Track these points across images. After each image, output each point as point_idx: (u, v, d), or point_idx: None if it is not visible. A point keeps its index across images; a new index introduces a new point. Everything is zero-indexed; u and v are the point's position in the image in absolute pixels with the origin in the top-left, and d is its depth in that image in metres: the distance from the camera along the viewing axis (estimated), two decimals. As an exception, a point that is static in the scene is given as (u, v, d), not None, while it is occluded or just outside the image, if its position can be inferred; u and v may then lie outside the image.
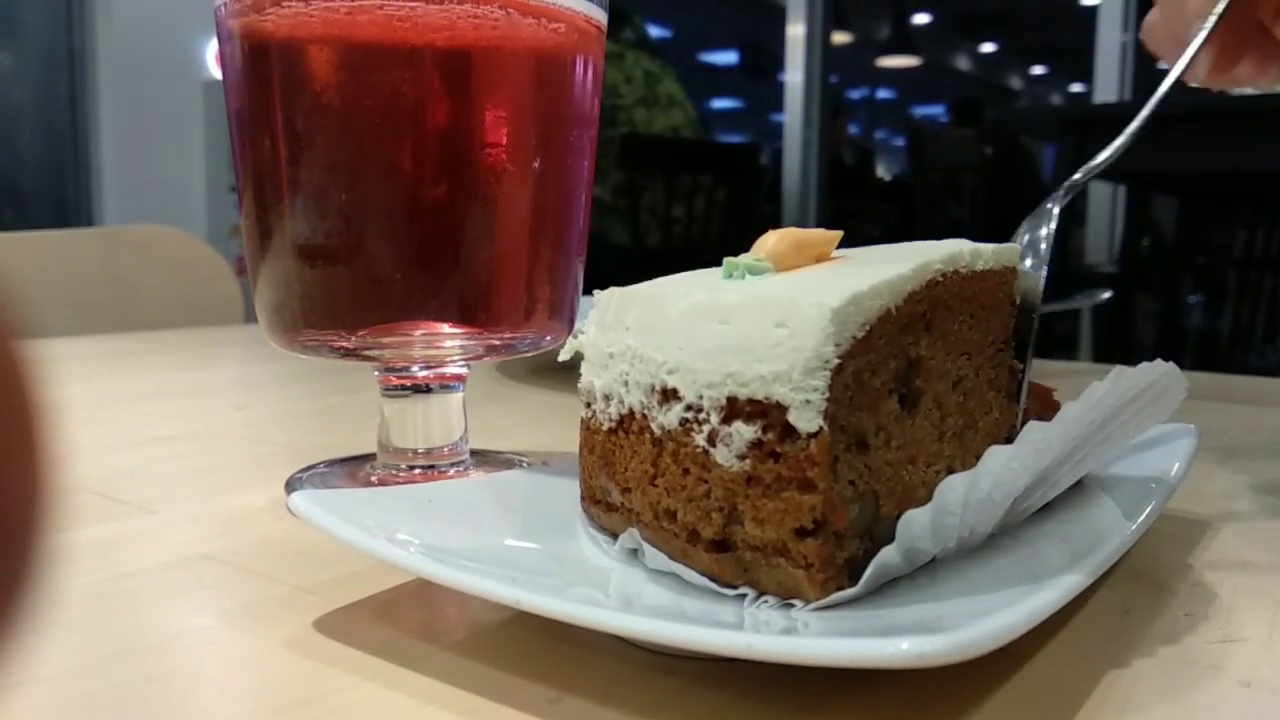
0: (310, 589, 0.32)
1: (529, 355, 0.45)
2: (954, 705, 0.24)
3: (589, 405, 0.32)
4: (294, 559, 0.35)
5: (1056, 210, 0.41)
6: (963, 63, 8.19)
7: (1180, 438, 0.40)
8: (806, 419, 0.25)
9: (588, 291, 0.37)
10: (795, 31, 4.03)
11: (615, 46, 2.92)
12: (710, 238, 2.96)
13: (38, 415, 0.11)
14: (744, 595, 0.27)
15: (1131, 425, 0.32)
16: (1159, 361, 0.32)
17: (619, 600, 0.28)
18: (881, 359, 0.28)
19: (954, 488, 0.27)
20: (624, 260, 2.85)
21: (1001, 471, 0.28)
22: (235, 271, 1.25)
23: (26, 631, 0.12)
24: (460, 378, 0.43)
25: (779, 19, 4.08)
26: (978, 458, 0.31)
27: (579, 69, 0.42)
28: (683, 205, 2.93)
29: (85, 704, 0.25)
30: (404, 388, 0.42)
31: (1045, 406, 0.36)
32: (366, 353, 0.41)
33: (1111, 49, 3.43)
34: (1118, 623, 0.29)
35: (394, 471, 0.42)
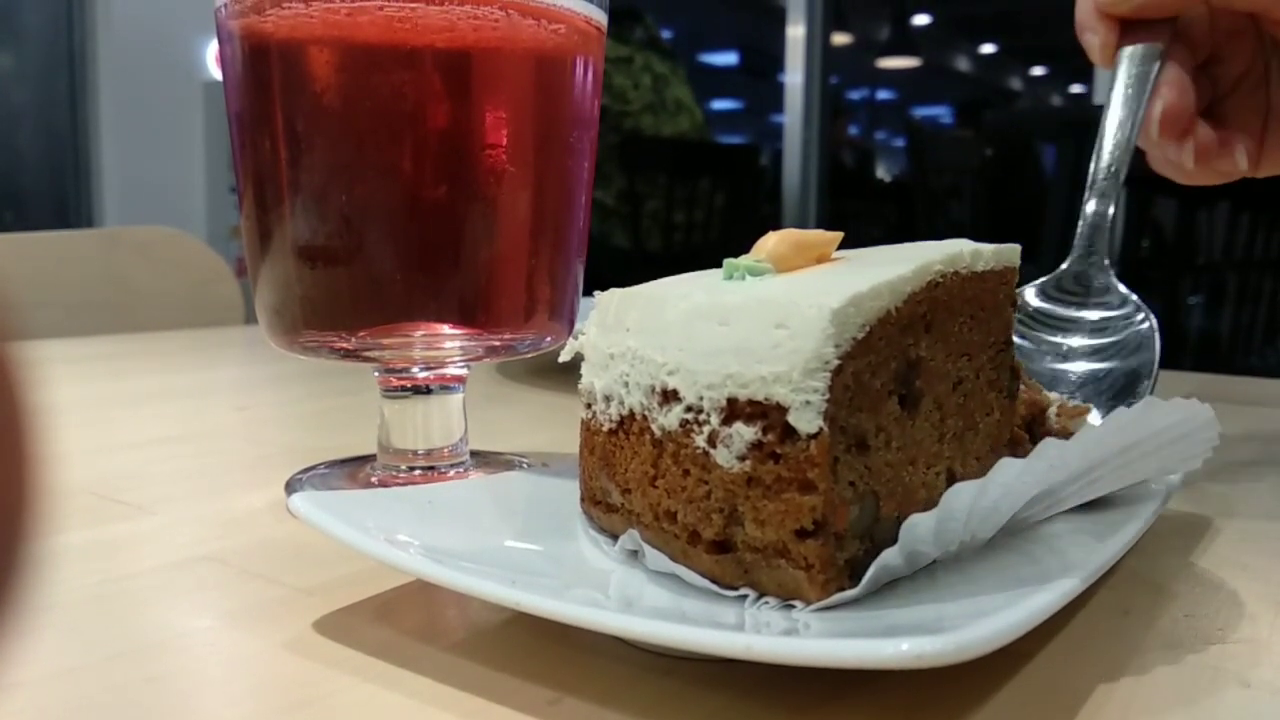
0: (310, 590, 0.32)
1: (529, 356, 0.45)
2: (954, 706, 0.24)
3: (589, 406, 0.32)
4: (294, 560, 0.35)
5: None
6: (963, 64, 8.19)
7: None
8: (806, 420, 0.25)
9: (588, 293, 0.37)
10: (795, 32, 4.03)
11: (625, 49, 2.90)
12: (710, 239, 2.96)
13: (29, 417, 0.11)
14: (744, 596, 0.27)
15: (1152, 459, 0.32)
16: (1194, 400, 0.32)
17: (619, 601, 0.28)
18: (881, 360, 0.28)
19: (961, 495, 0.27)
20: (624, 261, 2.85)
21: (1013, 484, 0.28)
22: (235, 272, 1.26)
23: (20, 632, 0.12)
24: (460, 379, 0.43)
25: (779, 20, 4.08)
26: (978, 459, 0.31)
27: (579, 70, 0.42)
28: (682, 206, 2.93)
29: (85, 705, 0.25)
30: (404, 389, 0.42)
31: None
32: (366, 354, 0.41)
33: (1112, 50, 3.43)
34: (1118, 624, 0.29)
35: (394, 473, 0.42)
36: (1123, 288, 0.45)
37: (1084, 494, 0.32)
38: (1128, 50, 0.46)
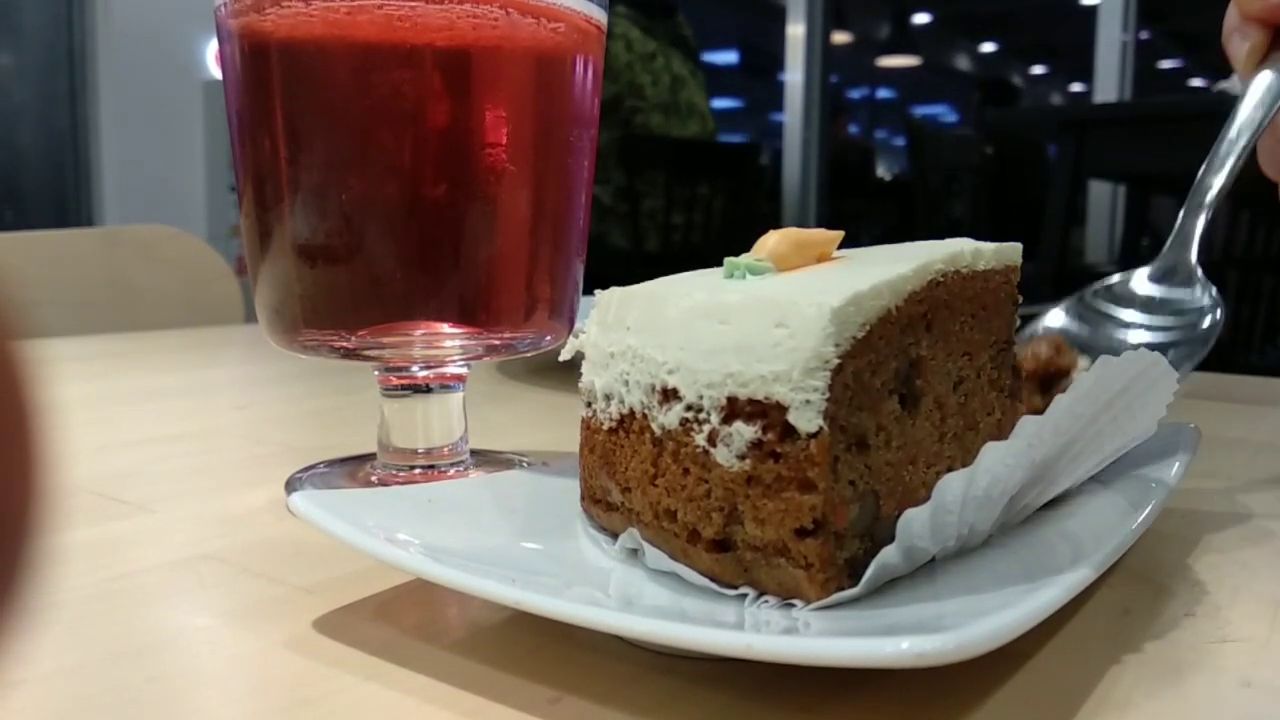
0: (310, 589, 0.32)
1: (529, 355, 0.45)
2: (954, 705, 0.24)
3: (589, 405, 0.32)
4: (294, 559, 0.35)
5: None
6: (963, 62, 8.19)
7: (1180, 438, 0.40)
8: (806, 419, 0.25)
9: (588, 292, 0.37)
10: (795, 31, 4.04)
11: (652, 45, 2.91)
12: (710, 237, 2.96)
13: (34, 416, 0.11)
14: (744, 595, 0.27)
15: (1124, 418, 0.32)
16: (1144, 350, 0.31)
17: (619, 600, 0.28)
18: (882, 359, 0.28)
19: (951, 486, 0.27)
20: (624, 260, 2.85)
21: (997, 468, 0.28)
22: (235, 271, 1.25)
23: (23, 631, 0.12)
24: (460, 378, 0.43)
25: (779, 19, 4.08)
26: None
27: (579, 69, 0.42)
28: (682, 205, 2.93)
29: (84, 704, 0.25)
30: (404, 388, 0.42)
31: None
32: (366, 353, 0.41)
33: (1111, 49, 3.43)
34: (1117, 623, 0.29)
35: (394, 471, 0.42)
36: (1202, 276, 0.45)
37: (1073, 472, 0.32)
38: (1272, 62, 0.45)
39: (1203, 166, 0.46)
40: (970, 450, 0.33)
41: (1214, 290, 0.45)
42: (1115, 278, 0.47)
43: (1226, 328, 0.44)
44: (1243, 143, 0.45)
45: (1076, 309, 0.46)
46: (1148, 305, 0.46)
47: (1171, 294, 0.46)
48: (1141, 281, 0.47)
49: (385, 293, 0.40)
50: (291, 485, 0.43)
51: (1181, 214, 0.47)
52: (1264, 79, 0.46)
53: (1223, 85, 2.34)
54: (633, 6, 2.88)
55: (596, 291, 0.33)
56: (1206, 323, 0.44)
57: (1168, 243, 0.46)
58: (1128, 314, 0.46)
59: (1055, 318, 0.46)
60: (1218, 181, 0.46)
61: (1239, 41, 0.46)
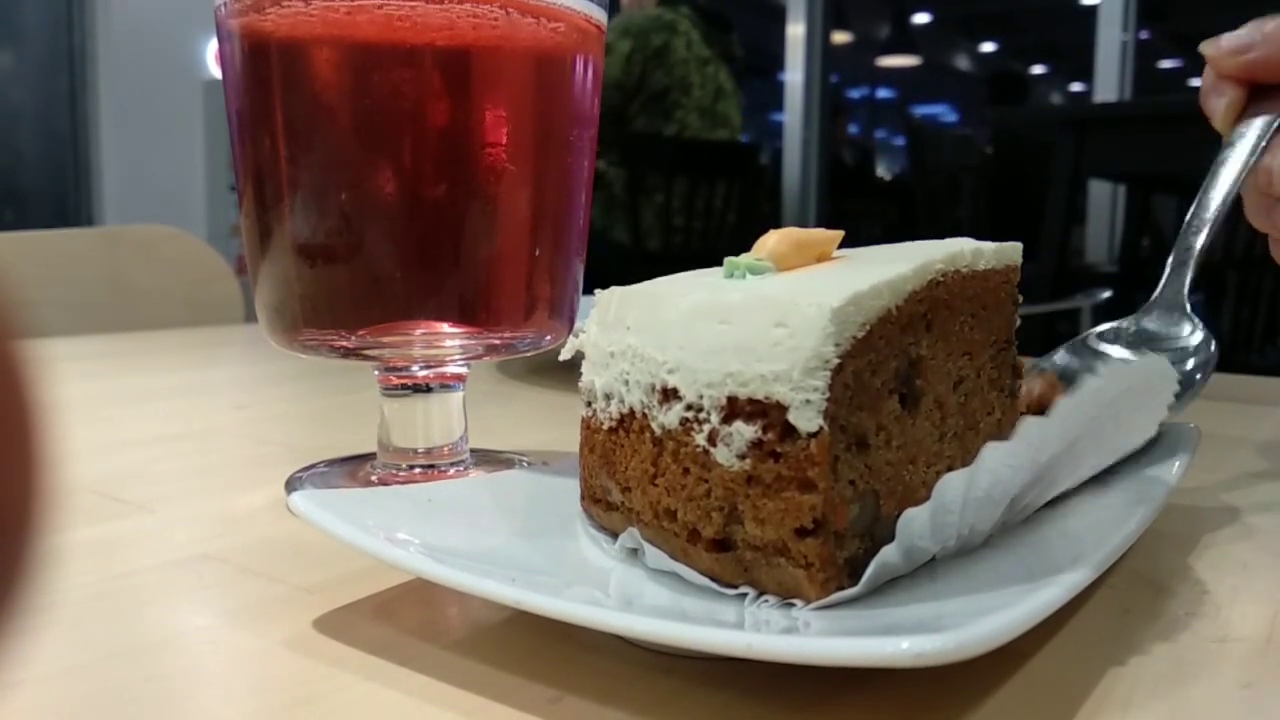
0: (310, 589, 0.32)
1: (529, 355, 0.45)
2: (954, 705, 0.24)
3: (589, 404, 0.32)
4: (294, 559, 0.35)
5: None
6: (963, 62, 8.19)
7: (1180, 438, 0.40)
8: (806, 419, 0.25)
9: (588, 292, 0.37)
10: (795, 31, 4.04)
11: (709, 51, 2.95)
12: (709, 237, 2.96)
13: (35, 415, 0.11)
14: (744, 595, 0.27)
15: (1126, 420, 0.32)
16: (1151, 356, 0.32)
17: (619, 600, 0.28)
18: (882, 359, 0.28)
19: (952, 486, 0.27)
20: (624, 259, 2.85)
21: (999, 468, 0.28)
22: (235, 271, 1.25)
23: (23, 630, 0.12)
24: (460, 377, 0.43)
25: (779, 19, 4.08)
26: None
27: (579, 68, 0.42)
28: (682, 204, 2.93)
29: (84, 704, 0.25)
30: (404, 387, 0.42)
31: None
32: (366, 352, 0.41)
33: (1111, 48, 3.43)
34: (1117, 622, 0.29)
35: (394, 471, 0.42)
36: (1193, 316, 0.46)
37: (1075, 472, 0.32)
38: (1251, 118, 0.46)
39: (1187, 219, 0.47)
40: (970, 450, 0.33)
41: (1205, 329, 0.45)
42: (1113, 323, 0.47)
43: (1227, 328, 0.44)
44: (1225, 192, 0.46)
45: (1076, 349, 0.47)
46: (1140, 342, 0.46)
47: (1163, 330, 0.46)
48: (1136, 323, 0.47)
49: (385, 292, 0.40)
50: (291, 485, 0.43)
51: (1169, 266, 0.47)
52: (1245, 132, 0.46)
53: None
54: (696, 10, 2.92)
55: (596, 291, 0.33)
56: (1195, 361, 0.44)
57: (1158, 289, 0.47)
58: (1119, 351, 0.46)
59: (1056, 357, 0.47)
60: (1200, 240, 0.46)
61: (1216, 100, 0.47)
